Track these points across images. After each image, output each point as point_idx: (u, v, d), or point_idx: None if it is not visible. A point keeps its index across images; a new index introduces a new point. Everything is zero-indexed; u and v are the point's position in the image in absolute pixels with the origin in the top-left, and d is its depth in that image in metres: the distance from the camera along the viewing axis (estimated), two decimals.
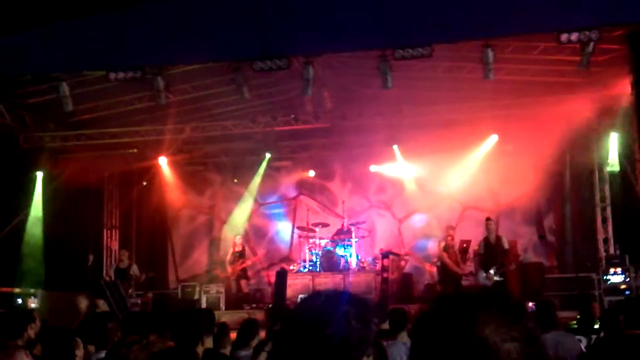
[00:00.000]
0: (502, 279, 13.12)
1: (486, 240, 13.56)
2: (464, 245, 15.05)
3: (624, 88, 11.93)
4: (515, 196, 16.47)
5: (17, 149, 15.49)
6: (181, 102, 14.51)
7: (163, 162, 17.79)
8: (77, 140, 16.16)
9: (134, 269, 15.39)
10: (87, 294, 13.07)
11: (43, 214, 16.25)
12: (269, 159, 18.06)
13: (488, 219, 13.95)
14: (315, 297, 1.81)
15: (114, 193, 18.93)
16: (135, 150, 16.94)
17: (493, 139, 16.43)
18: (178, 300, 16.28)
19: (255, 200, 19.10)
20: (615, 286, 14.08)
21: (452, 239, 14.99)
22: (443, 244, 15.37)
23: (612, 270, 14.26)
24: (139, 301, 16.25)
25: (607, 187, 16.07)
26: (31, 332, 5.79)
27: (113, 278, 14.95)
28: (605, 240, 16.01)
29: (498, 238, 13.59)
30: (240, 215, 18.63)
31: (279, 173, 18.83)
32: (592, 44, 10.42)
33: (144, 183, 18.40)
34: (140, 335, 3.82)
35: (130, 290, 15.18)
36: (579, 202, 16.45)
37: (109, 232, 18.71)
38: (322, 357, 1.67)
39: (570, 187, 16.57)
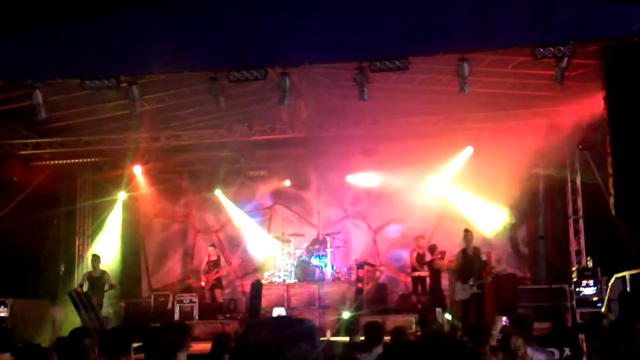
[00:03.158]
0: (479, 290, 12.98)
1: (464, 252, 13.38)
2: (439, 255, 15.07)
3: (597, 103, 12.08)
4: (489, 208, 16.60)
5: None
6: (156, 111, 14.41)
7: (137, 170, 17.67)
8: (50, 148, 15.97)
9: (107, 278, 15.23)
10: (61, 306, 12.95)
11: (14, 222, 16.02)
12: (243, 167, 18.02)
13: (467, 230, 13.76)
14: (261, 326, 1.91)
15: (87, 201, 18.73)
16: (109, 158, 16.86)
17: (468, 151, 16.57)
18: (151, 310, 16.13)
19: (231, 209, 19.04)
20: (587, 298, 14.24)
21: (423, 249, 15.16)
22: (415, 254, 15.50)
23: (584, 282, 14.42)
24: (112, 310, 16.13)
25: (579, 200, 16.29)
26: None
27: (86, 287, 14.80)
28: (578, 252, 16.21)
29: (476, 249, 13.47)
30: None
31: (255, 182, 18.77)
32: (565, 59, 10.54)
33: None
34: (114, 355, 3.78)
35: (103, 300, 15.03)
36: (552, 215, 16.63)
37: (81, 240, 18.51)
38: None
39: (544, 199, 16.77)
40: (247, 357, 1.84)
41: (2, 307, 14.43)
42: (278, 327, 1.90)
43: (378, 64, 10.62)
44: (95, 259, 15.72)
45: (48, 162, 16.15)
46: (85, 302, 12.44)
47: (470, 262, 13.25)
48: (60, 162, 16.43)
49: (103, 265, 15.70)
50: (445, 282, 14.81)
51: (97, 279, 15.13)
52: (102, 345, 4.99)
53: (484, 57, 12.13)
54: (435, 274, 14.78)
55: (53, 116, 13.89)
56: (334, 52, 10.67)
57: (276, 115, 15.34)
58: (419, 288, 15.67)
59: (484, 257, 13.44)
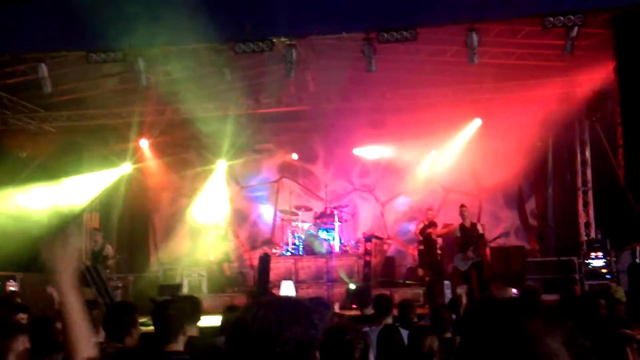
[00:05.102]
0: (479, 258, 13.52)
1: (462, 226, 13.99)
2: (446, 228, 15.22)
3: (607, 73, 11.96)
4: (498, 180, 16.53)
5: None
6: (162, 84, 14.34)
7: (144, 144, 17.65)
8: (56, 121, 15.94)
9: (108, 249, 15.32)
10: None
11: (21, 197, 16.11)
12: (249, 140, 17.97)
13: (462, 205, 14.33)
14: (260, 306, 1.90)
15: (93, 175, 18.73)
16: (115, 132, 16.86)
17: (476, 122, 16.46)
18: (159, 284, 16.19)
19: (238, 183, 19.03)
20: (596, 270, 14.22)
21: (430, 221, 15.30)
22: (421, 225, 15.57)
23: (593, 254, 14.38)
24: (120, 284, 16.19)
25: (589, 171, 16.19)
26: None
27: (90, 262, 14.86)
28: (587, 224, 16.16)
29: (473, 224, 13.97)
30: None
31: (262, 156, 18.73)
32: (576, 28, 10.42)
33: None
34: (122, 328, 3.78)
35: (108, 271, 15.09)
36: (561, 186, 16.54)
37: (88, 214, 18.54)
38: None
39: (553, 171, 16.67)
40: (247, 336, 1.84)
41: (12, 281, 14.52)
42: (277, 306, 1.89)
43: (386, 35, 10.53)
44: (95, 232, 15.78)
45: (55, 136, 16.13)
46: (94, 277, 12.47)
47: (468, 235, 13.71)
48: (67, 136, 16.41)
49: (111, 240, 15.77)
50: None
51: (97, 252, 15.20)
52: (109, 318, 5.00)
53: (493, 27, 12.00)
54: (431, 246, 14.90)
55: (58, 90, 13.88)
56: (341, 23, 10.58)
57: (283, 88, 15.25)
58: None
59: (481, 230, 13.86)
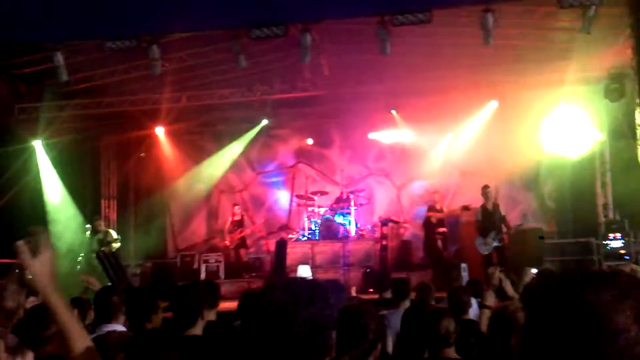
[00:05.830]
0: (500, 244, 13.28)
1: (483, 207, 13.67)
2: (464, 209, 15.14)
3: (625, 53, 11.82)
4: (514, 162, 16.42)
5: (12, 119, 15.39)
6: (177, 71, 14.38)
7: (160, 131, 17.72)
8: (73, 110, 16.02)
9: (111, 235, 15.58)
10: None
11: (41, 185, 16.26)
12: (265, 127, 17.99)
13: (485, 186, 13.96)
14: (275, 288, 1.91)
15: (110, 163, 18.88)
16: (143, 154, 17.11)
17: (493, 104, 16.36)
18: (177, 270, 16.32)
19: (253, 169, 19.08)
20: (615, 251, 14.13)
21: (437, 204, 15.21)
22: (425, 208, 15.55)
23: (611, 235, 14.29)
24: (138, 271, 16.34)
25: (607, 152, 16.04)
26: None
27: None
28: (605, 206, 16.04)
29: (495, 205, 13.65)
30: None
31: (277, 141, 18.76)
32: (593, 7, 10.30)
33: (143, 154, 18.35)
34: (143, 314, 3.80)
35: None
36: (579, 167, 16.40)
37: (107, 202, 18.71)
38: (299, 341, 1.82)
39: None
40: (263, 317, 1.85)
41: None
42: (293, 288, 1.90)
43: (400, 17, 10.46)
44: (97, 219, 16.04)
45: (72, 125, 16.22)
46: (112, 262, 12.60)
47: (491, 217, 13.41)
48: (84, 124, 16.50)
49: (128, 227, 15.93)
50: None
51: (102, 238, 15.44)
52: (129, 303, 5.03)
53: (509, 7, 11.88)
54: (429, 231, 14.66)
55: (74, 79, 13.94)
56: (355, 7, 10.51)
57: (297, 73, 15.22)
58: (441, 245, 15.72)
59: (504, 212, 13.61)
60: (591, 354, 1.31)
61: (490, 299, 6.04)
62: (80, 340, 2.33)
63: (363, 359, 3.12)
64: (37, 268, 2.33)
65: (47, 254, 2.36)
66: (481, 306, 6.04)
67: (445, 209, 16.03)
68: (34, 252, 2.33)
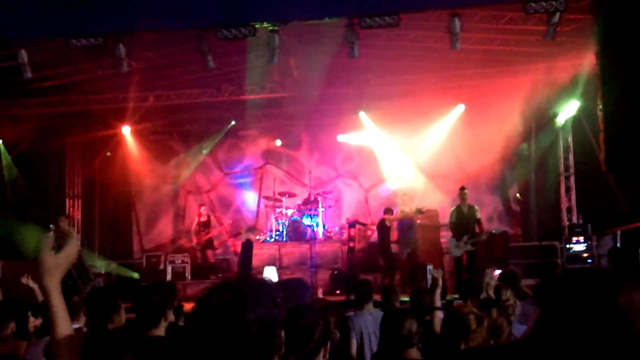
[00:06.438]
0: (473, 248, 13.21)
1: (458, 209, 13.60)
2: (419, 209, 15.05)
3: (588, 58, 12.02)
4: (481, 165, 16.63)
5: None
6: (145, 70, 14.27)
7: (126, 131, 17.58)
8: (38, 108, 15.82)
9: (69, 234, 15.35)
10: None
11: (3, 183, 16.05)
12: (233, 127, 17.97)
13: (462, 188, 13.84)
14: (221, 289, 1.87)
15: (76, 162, 18.67)
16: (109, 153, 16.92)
17: (460, 108, 16.54)
18: (143, 270, 16.20)
19: (221, 170, 19.04)
20: (578, 254, 14.37)
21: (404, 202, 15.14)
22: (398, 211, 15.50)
23: (574, 239, 14.53)
24: (102, 271, 16.19)
25: (571, 157, 16.32)
26: None
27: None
28: (569, 209, 16.31)
29: (470, 207, 13.61)
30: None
31: (245, 142, 18.75)
32: (558, 13, 10.47)
33: (108, 154, 18.20)
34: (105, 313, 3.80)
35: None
36: (544, 172, 16.65)
37: (71, 201, 18.50)
38: (247, 343, 1.79)
39: (536, 157, 16.74)
40: (209, 320, 1.82)
41: None
42: (239, 289, 1.87)
43: (368, 20, 10.52)
44: (62, 218, 15.82)
45: (36, 123, 16.01)
46: (76, 263, 12.51)
47: (465, 219, 13.41)
48: (48, 123, 16.30)
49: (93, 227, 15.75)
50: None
51: (62, 239, 15.21)
52: (90, 303, 5.01)
53: (476, 12, 12.03)
54: (382, 234, 14.62)
55: (39, 76, 13.76)
56: (323, 8, 10.55)
57: (266, 74, 15.21)
58: None
59: (478, 215, 13.56)
60: (623, 354, 1.31)
61: (438, 301, 6.14)
62: (65, 327, 2.41)
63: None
64: (50, 263, 2.41)
65: (67, 254, 2.47)
66: (432, 308, 6.13)
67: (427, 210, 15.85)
68: (57, 247, 2.43)
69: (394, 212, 14.84)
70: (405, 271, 13.91)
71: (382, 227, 14.49)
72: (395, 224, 15.10)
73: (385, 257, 14.30)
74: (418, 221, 14.87)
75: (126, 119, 16.88)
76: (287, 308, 1.94)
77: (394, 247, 14.90)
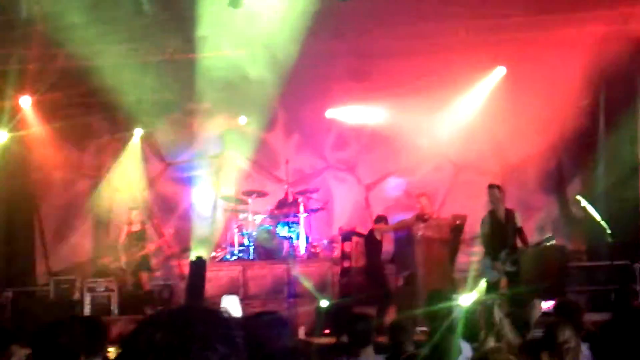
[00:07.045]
0: (514, 268, 12.98)
1: (492, 215, 13.34)
2: (457, 222, 15.17)
3: None
4: (528, 153, 16.70)
5: None
6: (51, 18, 14.23)
7: (26, 103, 17.49)
8: None
9: None
10: None
11: None
12: (179, 100, 17.96)
13: (492, 185, 13.57)
14: (155, 325, 1.85)
15: None
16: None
17: (499, 72, 16.60)
18: (49, 302, 16.20)
19: (162, 158, 19.02)
20: None
21: (423, 208, 15.03)
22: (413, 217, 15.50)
23: None
24: None
25: None
26: None
27: None
28: None
29: (508, 212, 13.35)
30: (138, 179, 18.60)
31: (196, 119, 18.69)
32: None
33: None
34: None
35: None
36: (618, 163, 16.71)
37: None
38: None
39: (606, 141, 16.79)
40: None
41: None
42: (182, 323, 1.84)
43: None
44: None
45: None
46: None
47: (502, 229, 13.20)
48: None
49: None
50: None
51: None
52: None
53: None
54: (371, 248, 14.66)
55: None
56: None
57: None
58: None
59: (519, 223, 13.37)
60: None
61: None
62: None
63: None
64: None
65: None
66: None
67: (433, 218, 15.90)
68: None
69: (389, 221, 14.90)
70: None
71: (371, 242, 14.53)
72: (389, 236, 15.14)
73: (375, 283, 14.29)
74: (420, 232, 14.78)
75: (26, 86, 16.81)
76: (253, 353, 1.93)
77: (390, 269, 14.99)
